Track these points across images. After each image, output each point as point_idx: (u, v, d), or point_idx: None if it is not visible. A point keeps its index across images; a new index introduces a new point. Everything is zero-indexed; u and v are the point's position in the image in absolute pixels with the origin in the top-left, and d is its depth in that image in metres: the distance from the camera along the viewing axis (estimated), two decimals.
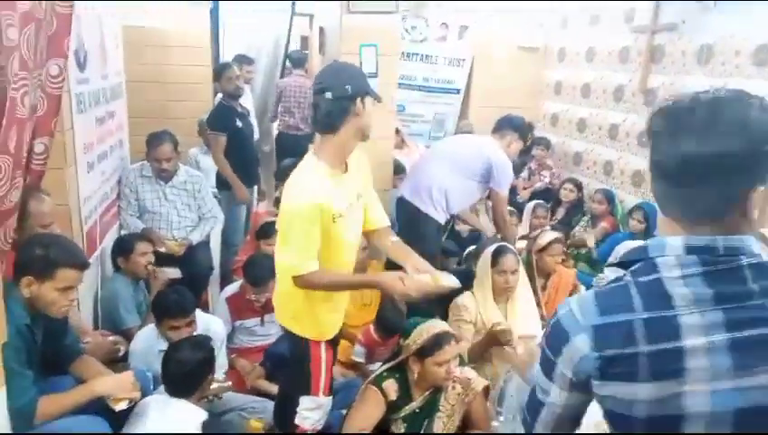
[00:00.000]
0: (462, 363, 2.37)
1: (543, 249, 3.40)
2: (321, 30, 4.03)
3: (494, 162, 3.26)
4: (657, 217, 1.03)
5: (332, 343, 2.26)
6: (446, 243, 4.13)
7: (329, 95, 1.94)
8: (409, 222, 3.30)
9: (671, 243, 0.94)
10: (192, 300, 2.79)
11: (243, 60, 5.44)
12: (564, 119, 5.86)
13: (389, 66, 3.45)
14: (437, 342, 2.18)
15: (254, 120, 5.31)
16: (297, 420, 2.22)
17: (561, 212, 5.21)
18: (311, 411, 2.23)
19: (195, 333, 2.69)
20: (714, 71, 4.00)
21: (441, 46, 5.94)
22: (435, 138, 6.30)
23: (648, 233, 4.25)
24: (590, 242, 4.63)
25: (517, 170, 5.76)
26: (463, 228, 4.67)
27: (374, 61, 3.42)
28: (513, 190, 5.66)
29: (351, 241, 2.13)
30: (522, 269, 2.94)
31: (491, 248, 2.87)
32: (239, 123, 4.20)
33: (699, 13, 4.07)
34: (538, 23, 6.00)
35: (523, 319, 2.84)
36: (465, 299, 2.85)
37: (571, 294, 3.58)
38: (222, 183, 4.28)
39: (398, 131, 5.52)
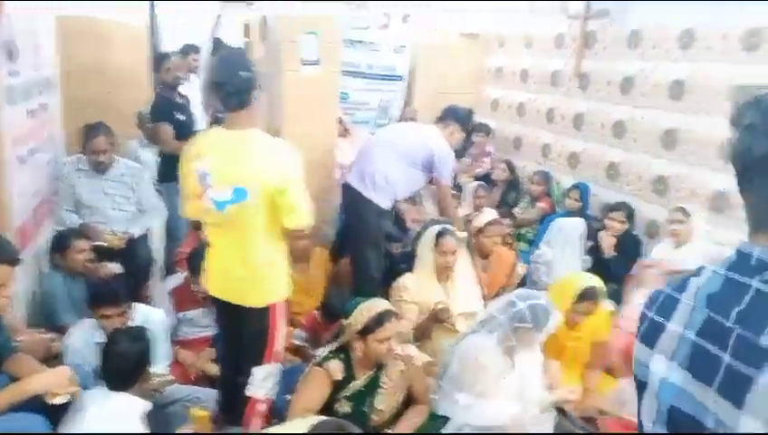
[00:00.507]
0: (403, 341, 2.44)
1: (480, 231, 3.50)
2: (263, 18, 4.00)
3: (437, 153, 3.34)
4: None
5: None
6: (391, 227, 4.18)
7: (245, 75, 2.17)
8: (353, 207, 3.35)
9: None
10: (124, 290, 2.76)
11: (189, 48, 5.32)
12: (504, 104, 6.00)
13: (332, 54, 3.46)
14: (379, 319, 2.23)
15: (198, 109, 5.22)
16: (250, 392, 2.34)
17: (496, 193, 5.35)
18: (264, 381, 2.37)
19: (134, 326, 2.67)
20: (644, 55, 4.18)
21: (384, 33, 5.96)
22: (380, 125, 6.33)
23: (583, 211, 4.44)
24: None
25: (459, 155, 5.90)
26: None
27: (315, 48, 3.42)
28: (455, 174, 5.82)
29: None
30: (462, 250, 3.03)
31: (433, 229, 2.95)
32: (178, 115, 4.13)
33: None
34: (478, 9, 6.09)
35: (464, 297, 2.94)
36: (406, 280, 2.92)
37: (510, 274, 3.72)
38: (164, 175, 4.21)
39: (340, 121, 5.55)
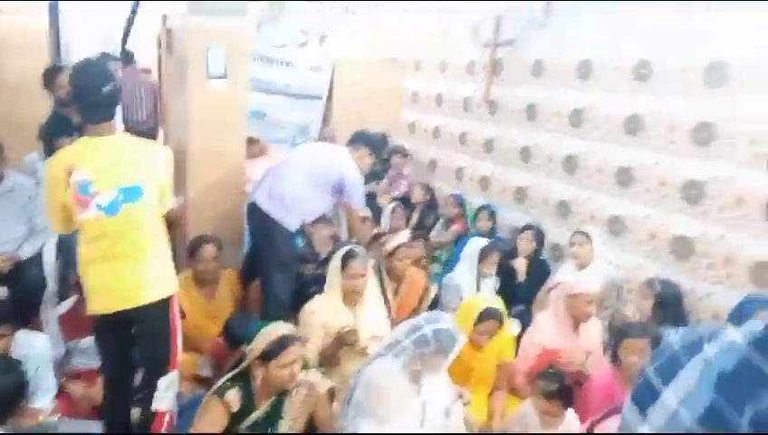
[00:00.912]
0: (306, 367, 2.37)
1: (391, 253, 3.50)
2: (169, 30, 3.86)
3: (347, 178, 3.33)
4: None
5: None
6: (304, 248, 4.12)
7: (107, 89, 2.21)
8: (260, 229, 3.25)
9: None
10: (7, 314, 2.56)
11: (106, 58, 5.01)
12: (421, 127, 6.11)
13: (239, 69, 3.38)
14: (281, 344, 2.16)
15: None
16: (155, 405, 2.37)
17: (414, 216, 5.41)
18: (167, 391, 2.41)
19: (15, 355, 2.46)
20: (545, 84, 4.39)
21: (302, 52, 5.94)
22: (298, 143, 6.28)
23: (493, 232, 4.56)
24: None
25: (378, 177, 5.93)
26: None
27: (222, 62, 3.33)
28: (373, 196, 5.83)
29: None
30: (371, 273, 3.00)
31: (341, 252, 2.91)
32: (77, 134, 3.87)
33: (534, 29, 4.45)
34: (395, 32, 6.20)
35: (372, 321, 2.91)
36: (313, 303, 2.87)
37: (422, 297, 3.73)
38: None
39: (254, 140, 5.44)
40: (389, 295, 3.58)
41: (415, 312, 3.68)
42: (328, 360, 2.78)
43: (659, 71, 3.51)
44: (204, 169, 3.37)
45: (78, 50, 5.21)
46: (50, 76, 3.83)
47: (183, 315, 2.99)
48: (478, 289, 3.76)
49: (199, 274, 3.32)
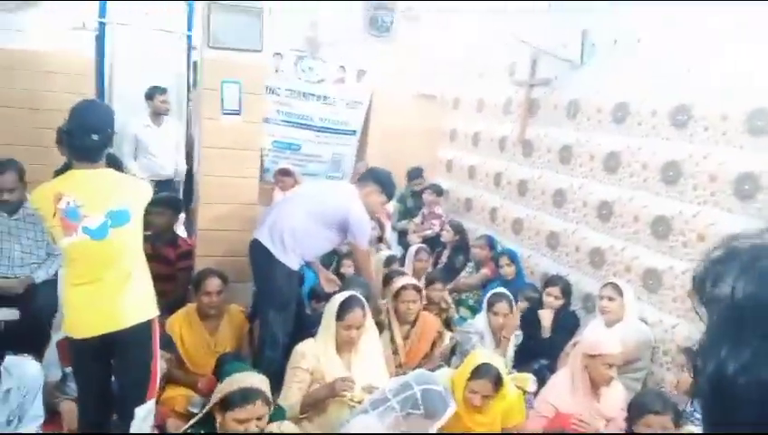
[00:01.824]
0: (278, 417, 2.22)
1: (396, 295, 3.33)
2: (195, 64, 3.93)
3: (351, 217, 3.18)
4: None
5: None
6: (318, 285, 3.99)
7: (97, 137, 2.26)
8: (261, 265, 3.15)
9: None
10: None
11: (156, 90, 5.17)
12: (457, 165, 5.96)
13: (254, 104, 3.36)
14: (242, 397, 2.02)
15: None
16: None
17: (445, 255, 5.22)
18: (144, 421, 2.38)
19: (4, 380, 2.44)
20: (580, 125, 4.16)
21: (339, 88, 5.95)
22: (331, 177, 6.25)
23: (518, 278, 4.30)
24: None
25: (411, 214, 5.79)
26: (347, 271, 4.56)
27: (237, 98, 3.32)
28: (404, 233, 5.69)
29: None
30: (370, 322, 2.84)
31: (338, 299, 2.76)
32: None
33: (570, 69, 4.26)
34: (434, 71, 6.13)
35: (367, 370, 2.73)
36: (304, 346, 2.72)
37: (434, 343, 3.52)
38: None
39: (288, 172, 5.44)
40: (398, 339, 3.41)
41: (427, 358, 3.49)
42: (313, 406, 2.62)
43: (699, 116, 3.24)
44: (214, 202, 3.33)
45: (122, 79, 5.38)
46: None
47: (172, 351, 2.93)
48: (498, 341, 3.53)
49: (203, 307, 3.25)
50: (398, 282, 3.32)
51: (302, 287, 3.71)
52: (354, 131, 6.17)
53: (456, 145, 6.02)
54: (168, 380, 3.19)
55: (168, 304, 3.54)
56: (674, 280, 3.33)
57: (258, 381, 2.12)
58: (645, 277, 3.52)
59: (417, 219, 5.70)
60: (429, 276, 4.19)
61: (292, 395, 2.67)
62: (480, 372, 2.56)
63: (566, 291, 3.79)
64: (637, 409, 2.37)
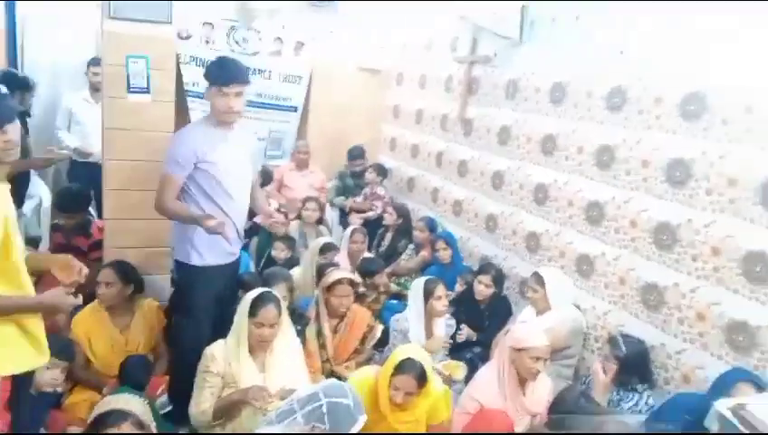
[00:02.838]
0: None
1: (329, 289, 3.17)
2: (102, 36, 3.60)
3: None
4: None
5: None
6: (247, 275, 3.78)
7: None
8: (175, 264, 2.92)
9: None
10: None
11: (91, 61, 4.74)
12: (401, 143, 5.78)
13: (164, 82, 3.08)
14: (109, 420, 1.86)
15: None
16: None
17: (387, 238, 5.07)
18: None
19: None
20: (518, 106, 4.03)
21: (276, 61, 5.64)
22: (271, 156, 5.99)
23: (455, 262, 4.20)
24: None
25: (350, 191, 5.59)
26: (279, 255, 4.35)
27: (144, 75, 3.03)
28: (344, 212, 5.51)
29: None
30: (285, 318, 2.66)
31: (250, 295, 2.57)
32: None
33: (510, 47, 4.10)
34: (378, 45, 5.88)
35: (282, 373, 2.56)
36: (214, 348, 2.54)
37: (365, 336, 3.38)
38: None
39: None
40: (327, 332, 3.26)
41: (357, 353, 3.35)
42: (225, 412, 2.45)
43: (633, 99, 3.13)
44: (121, 189, 3.06)
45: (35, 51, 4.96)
46: None
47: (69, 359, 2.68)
48: (430, 332, 3.41)
49: (111, 303, 3.02)
50: (333, 275, 3.15)
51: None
52: (295, 108, 5.90)
53: (400, 122, 5.83)
54: (75, 383, 2.98)
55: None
56: (606, 266, 3.27)
57: (132, 403, 1.95)
58: (578, 263, 3.45)
59: (359, 198, 5.51)
60: (369, 266, 4.02)
61: (203, 401, 2.50)
62: (403, 367, 2.43)
63: (497, 279, 3.69)
64: (560, 408, 2.29)
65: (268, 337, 2.52)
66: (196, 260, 2.75)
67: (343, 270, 3.30)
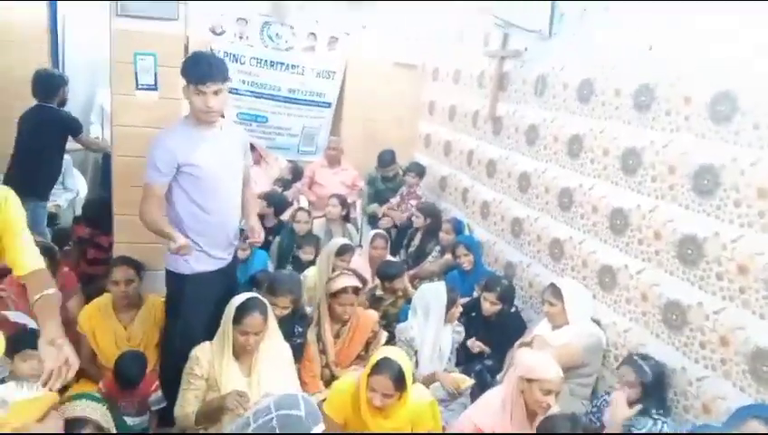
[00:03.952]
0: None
1: (334, 295, 3.08)
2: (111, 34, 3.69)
3: None
4: None
5: None
6: (261, 274, 3.75)
7: None
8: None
9: None
10: None
11: None
12: (435, 141, 5.62)
13: (171, 78, 3.07)
14: (69, 428, 1.83)
15: None
16: None
17: (417, 238, 4.93)
18: None
19: None
20: (546, 103, 3.80)
21: (309, 56, 5.60)
22: (304, 152, 5.99)
23: (477, 267, 4.02)
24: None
25: (382, 197, 5.47)
26: (306, 257, 4.28)
27: (152, 72, 3.04)
28: (374, 217, 5.39)
29: None
30: (272, 324, 2.60)
31: (236, 301, 2.51)
32: None
33: (540, 41, 3.87)
34: (413, 39, 5.74)
35: (268, 378, 2.50)
36: (200, 350, 2.51)
37: (369, 342, 3.27)
38: None
39: (254, 148, 5.17)
40: (328, 336, 3.18)
41: (360, 359, 3.25)
42: (207, 417, 2.42)
43: (662, 99, 2.86)
44: (131, 185, 3.09)
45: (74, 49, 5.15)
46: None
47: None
48: (435, 340, 3.26)
49: (114, 298, 3.06)
50: (339, 283, 3.06)
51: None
52: (329, 103, 5.85)
53: (435, 119, 5.67)
54: (80, 375, 3.04)
55: (90, 293, 3.38)
56: (628, 280, 3.02)
57: (90, 409, 1.93)
58: (601, 274, 3.22)
59: (395, 200, 5.38)
60: (388, 270, 3.90)
61: (186, 404, 2.48)
62: (379, 367, 2.31)
63: (504, 296, 3.44)
64: (540, 430, 2.11)
65: (253, 344, 2.47)
66: (183, 268, 2.69)
67: (350, 277, 3.19)
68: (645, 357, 2.72)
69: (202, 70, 2.48)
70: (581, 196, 3.41)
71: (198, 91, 2.49)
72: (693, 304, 2.62)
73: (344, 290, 3.08)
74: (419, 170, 5.31)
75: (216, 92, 2.51)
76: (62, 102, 4.28)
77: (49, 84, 4.20)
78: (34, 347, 2.37)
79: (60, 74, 4.41)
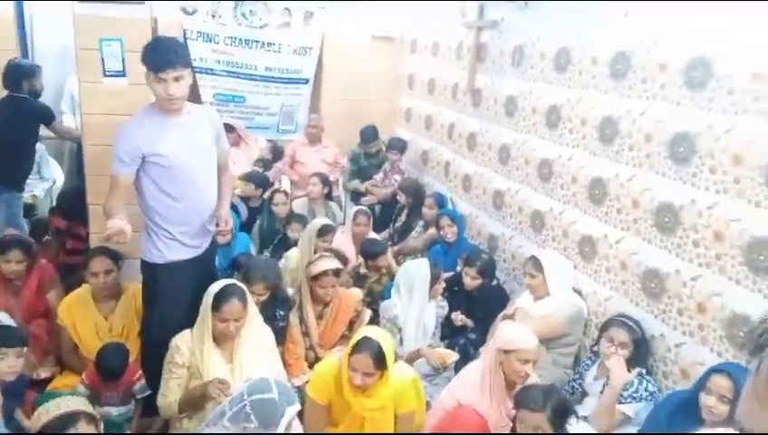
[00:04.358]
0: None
1: (315, 278, 3.07)
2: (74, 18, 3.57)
3: None
4: None
5: None
6: (243, 256, 3.73)
7: None
8: None
9: None
10: None
11: None
12: (416, 115, 5.57)
13: (140, 64, 2.99)
14: (63, 424, 1.82)
15: None
16: None
17: (404, 215, 4.91)
18: None
19: None
20: (524, 74, 3.76)
21: (285, 33, 5.49)
22: (284, 131, 5.91)
23: (460, 239, 4.02)
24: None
25: (364, 174, 5.42)
26: (293, 235, 4.24)
27: (119, 57, 2.96)
28: (357, 194, 5.36)
29: None
30: (252, 308, 2.59)
31: (214, 289, 2.49)
32: None
33: (517, 10, 3.81)
34: (390, 11, 5.64)
35: (250, 363, 2.50)
36: (179, 339, 2.50)
37: (352, 323, 3.27)
38: None
39: (228, 128, 5.10)
40: (311, 318, 3.18)
41: (345, 338, 3.25)
42: (190, 405, 2.42)
43: (637, 66, 2.84)
44: (104, 174, 3.03)
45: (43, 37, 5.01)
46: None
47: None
48: (419, 317, 3.27)
49: (93, 289, 3.03)
50: (319, 266, 3.04)
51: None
52: (306, 80, 5.76)
53: (414, 93, 5.60)
54: (62, 367, 3.03)
55: (70, 284, 3.35)
56: (608, 249, 3.03)
57: (73, 402, 1.92)
58: (581, 244, 3.23)
59: (378, 176, 5.34)
60: (372, 248, 3.90)
61: (169, 393, 2.47)
62: (359, 346, 2.31)
63: (485, 270, 3.45)
64: (515, 401, 2.13)
65: (233, 331, 2.46)
66: (156, 258, 2.65)
67: (330, 259, 3.16)
68: (632, 319, 2.74)
69: (161, 57, 2.39)
70: (561, 166, 3.40)
71: (159, 79, 2.40)
72: (671, 271, 2.64)
73: (325, 273, 3.07)
74: (401, 146, 5.26)
75: (176, 79, 2.41)
76: (35, 92, 4.18)
77: (18, 74, 4.10)
78: (9, 345, 2.38)
79: (30, 64, 4.30)
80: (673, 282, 2.63)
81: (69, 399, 1.95)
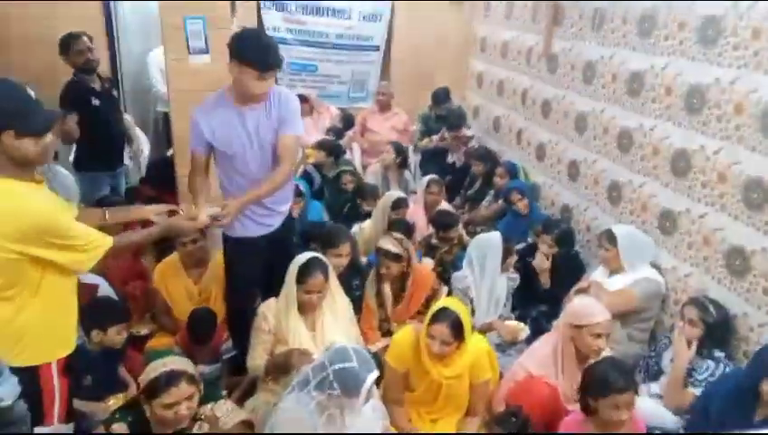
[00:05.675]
0: (215, 397, 2.17)
1: (378, 252, 3.13)
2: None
3: None
4: None
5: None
6: (314, 226, 3.85)
7: None
8: None
9: None
10: None
11: None
12: (487, 80, 5.47)
13: (222, 41, 3.10)
14: (166, 381, 1.97)
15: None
16: None
17: (478, 183, 4.88)
18: None
19: None
20: (605, 39, 3.61)
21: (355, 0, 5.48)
22: (355, 99, 5.96)
23: (532, 212, 3.99)
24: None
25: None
26: (365, 208, 4.29)
27: (202, 35, 3.08)
28: (427, 156, 5.35)
29: None
30: (333, 281, 2.70)
31: (299, 260, 2.61)
32: (95, 101, 3.85)
33: None
34: None
35: (331, 331, 2.63)
36: (266, 306, 2.65)
37: (429, 299, 3.27)
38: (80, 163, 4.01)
39: (301, 98, 5.18)
40: (387, 291, 3.22)
41: (420, 314, 3.28)
42: (277, 370, 2.58)
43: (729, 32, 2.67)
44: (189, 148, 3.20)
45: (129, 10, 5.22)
46: (66, 43, 3.80)
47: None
48: (491, 290, 3.29)
49: (182, 256, 3.24)
50: (380, 242, 3.09)
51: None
52: (377, 47, 5.75)
53: (486, 57, 5.49)
54: (158, 327, 3.28)
55: (162, 250, 3.58)
56: (690, 224, 2.94)
57: (181, 362, 2.08)
58: (661, 218, 3.14)
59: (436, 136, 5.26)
60: (444, 220, 3.90)
61: (257, 356, 2.63)
62: (438, 316, 2.40)
63: (562, 239, 3.43)
64: (598, 387, 2.14)
65: (316, 302, 2.59)
66: (232, 232, 2.75)
67: (393, 241, 3.12)
68: (711, 300, 2.67)
69: (272, 58, 2.39)
70: (642, 137, 3.29)
71: (258, 78, 2.39)
72: (757, 249, 2.54)
73: (385, 253, 3.09)
74: (459, 123, 5.04)
75: (271, 76, 2.44)
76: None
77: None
78: (117, 321, 2.61)
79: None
80: (759, 260, 2.53)
81: (176, 359, 2.12)
